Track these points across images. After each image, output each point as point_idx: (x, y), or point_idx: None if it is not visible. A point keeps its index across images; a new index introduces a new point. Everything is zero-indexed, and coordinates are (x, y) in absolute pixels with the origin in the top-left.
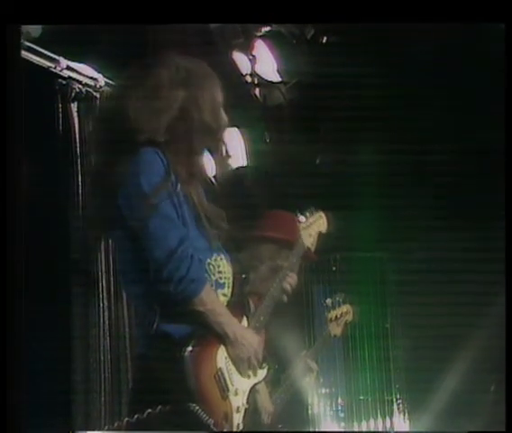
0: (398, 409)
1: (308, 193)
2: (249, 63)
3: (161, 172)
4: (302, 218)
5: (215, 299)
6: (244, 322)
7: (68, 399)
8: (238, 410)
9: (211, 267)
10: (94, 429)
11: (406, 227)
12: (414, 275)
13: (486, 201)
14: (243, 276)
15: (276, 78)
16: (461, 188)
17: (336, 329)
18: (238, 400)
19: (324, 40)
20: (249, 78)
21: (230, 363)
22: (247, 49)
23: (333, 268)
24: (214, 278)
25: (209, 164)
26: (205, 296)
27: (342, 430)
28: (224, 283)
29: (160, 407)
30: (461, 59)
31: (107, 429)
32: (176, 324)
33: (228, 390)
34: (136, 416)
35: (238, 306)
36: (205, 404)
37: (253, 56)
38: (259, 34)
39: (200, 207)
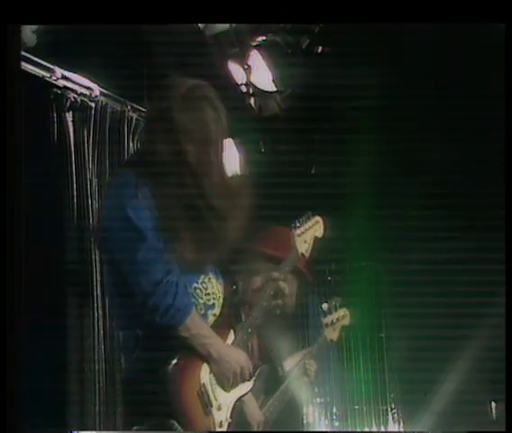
0: (393, 418)
1: (303, 203)
2: (244, 73)
3: (147, 201)
4: (297, 224)
5: (201, 323)
6: (231, 335)
7: (62, 407)
8: (221, 425)
9: (198, 291)
10: None
11: (401, 237)
12: (409, 285)
13: (485, 208)
14: (233, 287)
15: (271, 87)
16: (460, 195)
17: (332, 334)
18: (221, 415)
19: (320, 49)
20: (244, 88)
21: (214, 378)
22: (242, 58)
23: (329, 278)
24: (202, 301)
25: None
26: (190, 323)
27: (337, 431)
28: (214, 304)
29: (144, 423)
30: (461, 59)
31: None
32: (160, 347)
33: (211, 405)
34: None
35: (226, 320)
36: (188, 420)
37: (248, 66)
38: (254, 44)
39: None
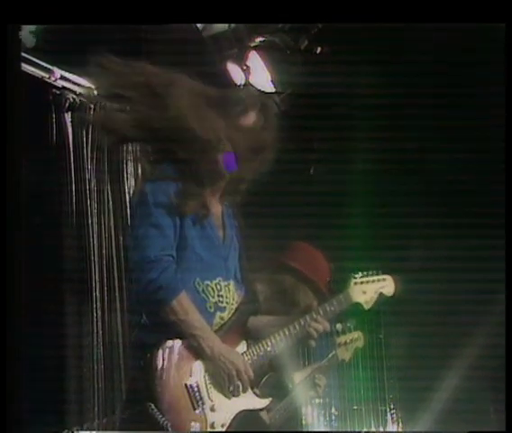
0: (392, 419)
1: (302, 204)
2: (243, 74)
3: (169, 186)
4: (357, 274)
5: (191, 311)
6: (242, 346)
7: (61, 408)
8: (213, 426)
9: (209, 289)
10: None
11: (400, 239)
12: (407, 287)
13: (485, 208)
14: (256, 304)
15: (270, 88)
16: (460, 194)
17: (345, 354)
18: (215, 417)
19: (318, 50)
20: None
21: (209, 377)
22: (241, 59)
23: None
24: (213, 300)
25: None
26: (177, 306)
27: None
28: (225, 307)
29: (128, 410)
30: (461, 59)
31: None
32: (152, 331)
33: (203, 403)
34: (106, 418)
35: (237, 330)
36: (172, 410)
37: (247, 66)
38: (252, 45)
39: (210, 231)
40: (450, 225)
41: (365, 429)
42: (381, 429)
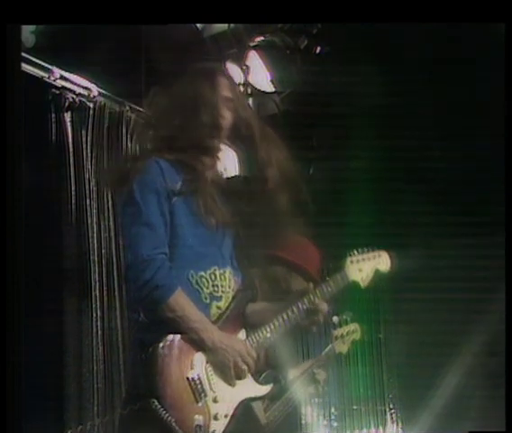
0: (391, 419)
1: (301, 203)
2: (242, 73)
3: (156, 182)
4: (353, 252)
5: (188, 306)
6: (242, 334)
7: (60, 409)
8: (216, 418)
9: (204, 280)
10: None
11: (399, 237)
12: (407, 284)
13: (485, 208)
14: (254, 291)
15: (269, 88)
16: (460, 194)
17: (342, 347)
18: (217, 408)
19: (318, 50)
20: (242, 89)
21: (211, 368)
22: (240, 59)
23: (327, 278)
24: (207, 291)
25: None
26: (173, 302)
27: None
28: (221, 296)
29: (129, 406)
30: (461, 59)
31: None
32: (150, 329)
33: (205, 395)
34: (107, 417)
35: (235, 318)
36: (174, 405)
37: (247, 66)
38: (252, 44)
39: (203, 219)
40: (449, 225)
41: (365, 429)
42: (381, 429)
